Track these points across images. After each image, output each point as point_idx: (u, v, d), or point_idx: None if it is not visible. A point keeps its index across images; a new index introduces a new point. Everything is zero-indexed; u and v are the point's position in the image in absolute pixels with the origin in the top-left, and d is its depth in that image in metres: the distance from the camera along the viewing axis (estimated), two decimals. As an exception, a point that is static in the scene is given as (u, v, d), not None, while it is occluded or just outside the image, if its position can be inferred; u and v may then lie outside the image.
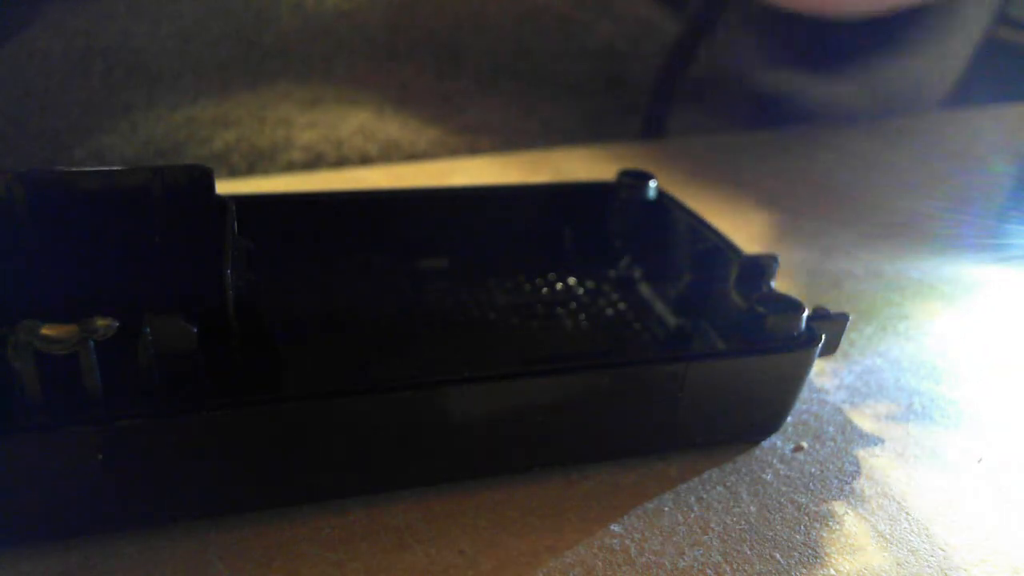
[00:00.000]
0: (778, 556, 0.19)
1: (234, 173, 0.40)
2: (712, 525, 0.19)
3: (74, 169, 0.19)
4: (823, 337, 0.21)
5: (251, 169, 0.41)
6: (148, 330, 0.17)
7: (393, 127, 0.43)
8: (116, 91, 0.40)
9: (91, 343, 0.17)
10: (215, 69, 0.41)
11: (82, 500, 0.17)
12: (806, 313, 0.21)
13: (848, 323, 0.22)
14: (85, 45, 0.39)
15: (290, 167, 0.41)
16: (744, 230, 0.34)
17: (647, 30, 0.48)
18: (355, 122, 0.42)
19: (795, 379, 0.21)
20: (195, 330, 0.18)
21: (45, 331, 0.17)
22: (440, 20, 0.43)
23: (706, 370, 0.20)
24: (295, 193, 0.28)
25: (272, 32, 0.40)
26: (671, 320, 0.26)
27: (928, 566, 0.19)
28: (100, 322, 0.17)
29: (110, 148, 0.40)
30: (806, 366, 0.21)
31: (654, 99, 0.46)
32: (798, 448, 0.22)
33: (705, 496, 0.20)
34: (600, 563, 0.18)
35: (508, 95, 0.45)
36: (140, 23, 0.39)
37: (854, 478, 0.21)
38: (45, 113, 0.40)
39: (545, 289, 0.28)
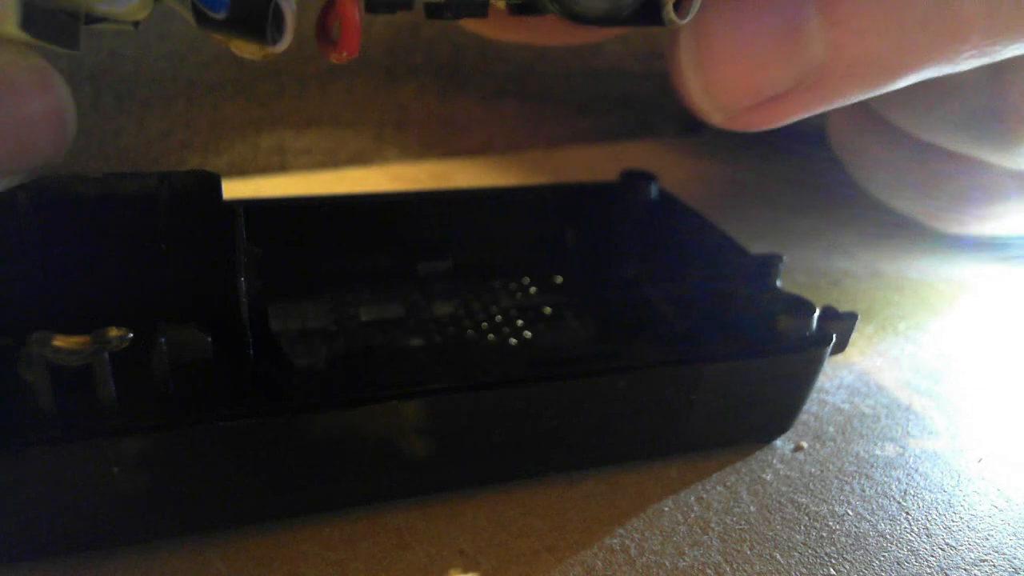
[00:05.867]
0: (778, 556, 0.19)
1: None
2: (712, 525, 0.19)
3: (79, 176, 0.19)
4: (834, 337, 0.21)
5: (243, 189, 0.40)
6: (163, 339, 0.17)
7: (392, 152, 0.42)
8: (106, 117, 0.39)
9: (105, 354, 0.16)
10: (207, 92, 0.39)
11: (98, 514, 0.17)
12: (817, 313, 0.21)
13: (856, 322, 0.22)
14: (72, 70, 0.38)
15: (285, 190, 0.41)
16: (744, 230, 0.34)
17: (658, 52, 0.47)
18: (353, 147, 0.41)
19: (807, 379, 0.21)
20: (209, 339, 0.17)
21: (57, 342, 0.16)
22: (441, 42, 0.42)
23: (722, 372, 0.20)
24: (299, 197, 0.28)
25: None
26: (677, 321, 0.26)
27: (928, 566, 0.19)
28: (113, 332, 0.17)
29: (98, 174, 0.39)
30: (818, 366, 0.21)
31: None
32: (798, 448, 0.22)
33: (705, 496, 0.20)
34: (600, 563, 0.18)
35: (514, 116, 0.44)
36: (129, 45, 0.39)
37: (854, 478, 0.21)
38: None
39: (549, 290, 0.28)
